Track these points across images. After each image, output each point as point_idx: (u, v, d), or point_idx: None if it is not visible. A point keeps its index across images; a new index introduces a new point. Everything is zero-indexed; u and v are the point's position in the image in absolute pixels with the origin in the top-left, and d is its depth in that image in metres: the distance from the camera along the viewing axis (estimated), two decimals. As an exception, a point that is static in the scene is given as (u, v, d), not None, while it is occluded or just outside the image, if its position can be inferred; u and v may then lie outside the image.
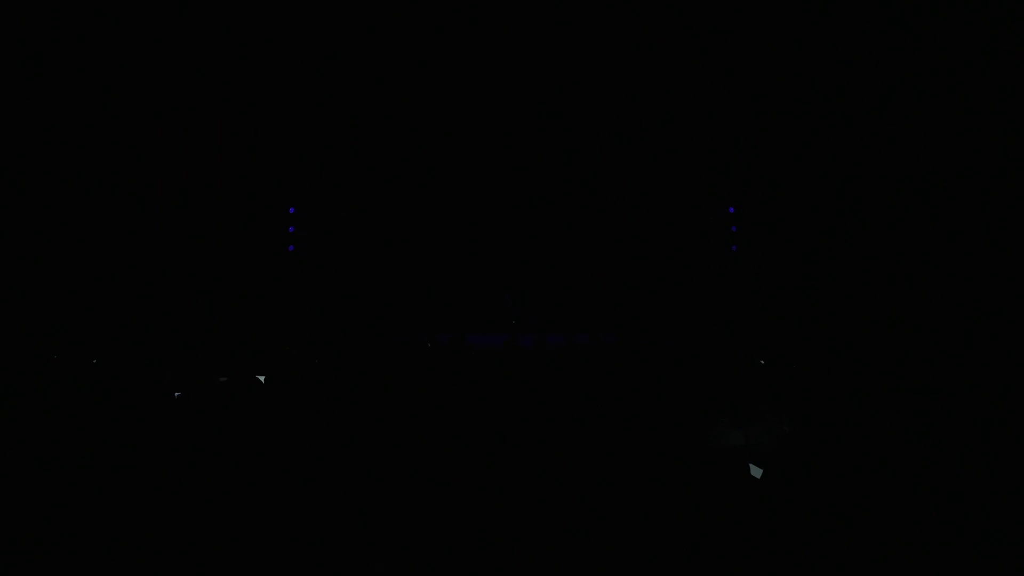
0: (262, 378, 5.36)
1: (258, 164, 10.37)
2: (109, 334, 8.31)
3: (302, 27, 9.82)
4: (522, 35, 10.87)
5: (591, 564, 2.63)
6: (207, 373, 5.97)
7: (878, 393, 5.22)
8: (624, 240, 11.39)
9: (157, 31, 9.08)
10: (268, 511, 2.85)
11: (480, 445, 3.69)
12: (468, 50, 10.74)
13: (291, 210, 11.62)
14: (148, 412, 4.29)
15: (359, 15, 9.90)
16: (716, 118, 10.54)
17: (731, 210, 11.88)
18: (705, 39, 10.17)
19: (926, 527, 2.69)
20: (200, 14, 9.21)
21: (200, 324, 9.38)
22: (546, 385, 5.59)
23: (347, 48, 10.14)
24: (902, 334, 8.68)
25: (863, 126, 9.53)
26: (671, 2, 10.15)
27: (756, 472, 3.62)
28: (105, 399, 4.72)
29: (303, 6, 9.78)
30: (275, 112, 10.22)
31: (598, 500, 3.28)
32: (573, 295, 11.60)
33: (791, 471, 3.02)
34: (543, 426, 4.42)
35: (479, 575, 2.67)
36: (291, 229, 11.62)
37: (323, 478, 3.27)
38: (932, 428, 3.97)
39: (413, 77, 10.65)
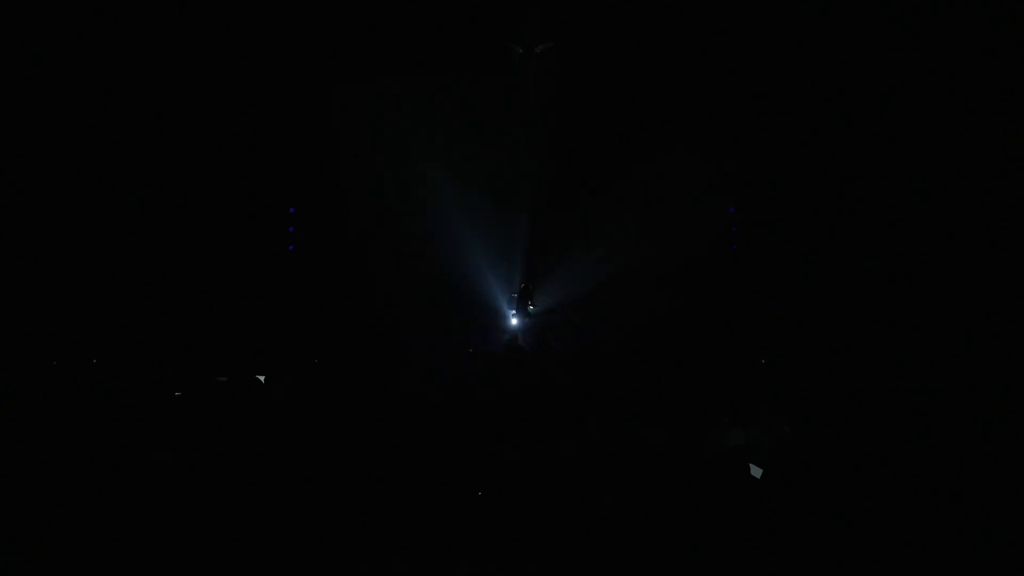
0: (262, 378, 5.36)
1: (258, 164, 10.36)
2: (109, 334, 8.30)
3: (302, 28, 9.80)
4: (521, 35, 10.87)
5: (591, 564, 2.63)
6: (207, 373, 5.96)
7: (878, 393, 5.22)
8: (624, 240, 11.37)
9: (157, 31, 9.07)
10: (268, 511, 2.85)
11: (480, 445, 3.69)
12: (469, 51, 10.72)
13: (291, 210, 11.61)
14: (148, 412, 4.29)
15: (359, 16, 9.89)
16: (716, 118, 10.52)
17: (731, 210, 11.87)
18: (705, 39, 10.15)
19: (926, 527, 2.69)
20: (200, 14, 9.19)
21: (200, 324, 9.37)
22: (546, 385, 5.59)
23: (347, 49, 10.13)
24: (902, 334, 8.68)
25: (863, 126, 9.51)
26: (671, 2, 10.14)
27: (756, 472, 3.62)
28: (105, 399, 4.72)
29: (303, 7, 9.76)
30: (275, 112, 10.20)
31: (598, 500, 3.28)
32: (573, 295, 11.58)
33: (791, 471, 3.02)
34: (543, 426, 4.42)
35: (480, 574, 2.67)
36: (291, 229, 11.61)
37: (323, 478, 3.26)
38: (932, 428, 3.97)
39: (413, 77, 10.63)
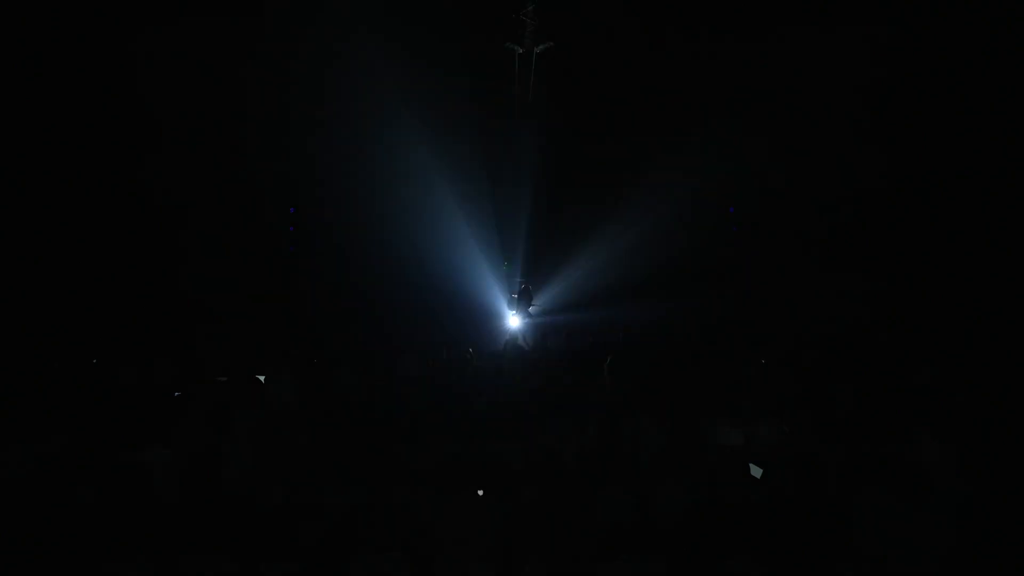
0: (262, 378, 5.36)
1: (258, 164, 10.35)
2: (109, 334, 8.30)
3: (301, 30, 9.80)
4: (518, 37, 10.88)
5: (590, 562, 2.63)
6: (207, 373, 5.96)
7: (878, 393, 5.22)
8: (624, 240, 11.37)
9: (159, 31, 9.06)
10: (268, 510, 2.85)
11: (480, 444, 3.70)
12: (469, 52, 10.72)
13: (291, 210, 11.60)
14: (148, 412, 4.29)
15: (359, 19, 9.88)
16: (716, 119, 10.50)
17: (731, 210, 11.86)
18: (705, 41, 10.14)
19: (925, 526, 2.69)
20: (201, 15, 9.18)
21: (201, 324, 9.36)
22: (546, 385, 5.59)
23: (347, 50, 10.12)
24: (902, 334, 8.67)
25: (861, 127, 9.51)
26: (670, 3, 10.13)
27: (756, 472, 3.62)
28: (105, 399, 4.72)
29: (303, 10, 9.76)
30: (274, 112, 10.19)
31: (598, 499, 3.28)
32: (573, 296, 11.59)
33: (791, 471, 3.02)
34: (543, 426, 4.42)
35: (480, 572, 2.67)
36: (291, 228, 11.61)
37: (323, 477, 3.26)
38: (931, 428, 3.97)
39: (414, 77, 10.62)
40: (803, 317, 9.88)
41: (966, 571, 2.65)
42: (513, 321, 11.56)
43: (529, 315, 11.51)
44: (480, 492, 3.04)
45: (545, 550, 2.37)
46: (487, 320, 11.63)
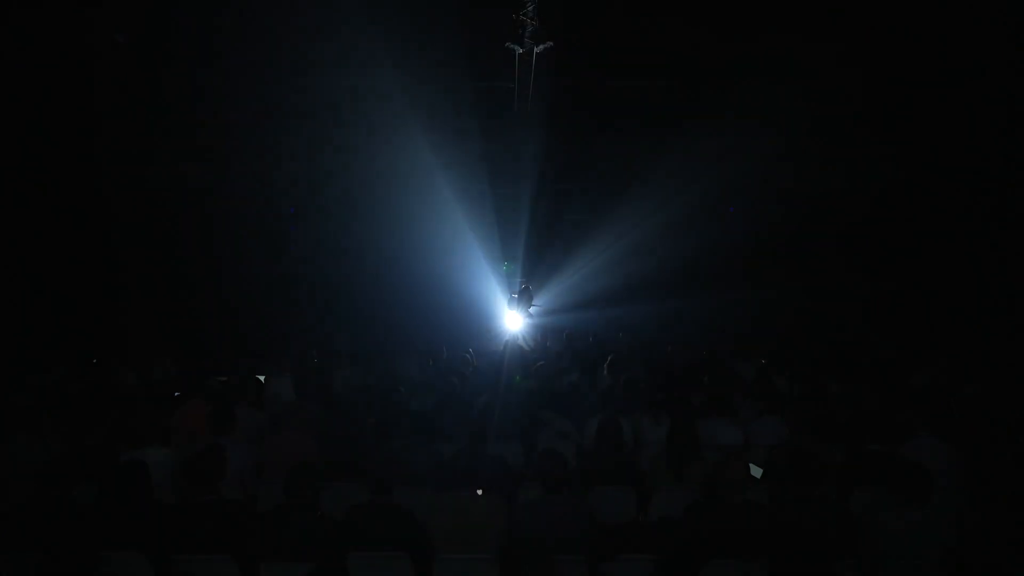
0: (262, 378, 5.38)
1: (257, 164, 10.34)
2: (108, 335, 8.31)
3: (301, 31, 9.77)
4: (518, 37, 10.84)
5: (590, 562, 2.64)
6: (207, 373, 5.97)
7: (878, 392, 5.22)
8: (624, 240, 11.36)
9: (158, 32, 9.05)
10: (268, 509, 2.86)
11: (481, 444, 3.70)
12: (469, 52, 10.69)
13: (291, 210, 11.59)
14: (148, 411, 4.29)
15: (358, 19, 9.85)
16: (717, 118, 10.48)
17: (731, 210, 11.84)
18: (705, 40, 10.11)
19: (925, 526, 2.70)
20: (201, 16, 9.16)
21: (200, 325, 9.36)
22: (545, 384, 5.60)
23: (346, 50, 10.09)
24: (901, 335, 8.68)
25: (861, 127, 9.50)
26: (669, 3, 10.11)
27: (756, 472, 3.62)
28: (104, 399, 4.73)
29: (303, 9, 9.73)
30: (274, 113, 10.17)
31: (597, 497, 3.29)
32: (573, 296, 11.58)
33: (791, 471, 3.03)
34: (542, 426, 4.43)
35: (480, 572, 2.67)
36: (292, 228, 11.60)
37: (323, 475, 3.26)
38: (931, 428, 3.98)
39: (413, 79, 10.59)
40: (803, 318, 9.87)
41: (966, 571, 2.65)
42: (513, 321, 11.55)
43: (529, 315, 11.50)
44: (480, 492, 3.04)
45: (545, 550, 2.37)
46: (487, 321, 11.61)
